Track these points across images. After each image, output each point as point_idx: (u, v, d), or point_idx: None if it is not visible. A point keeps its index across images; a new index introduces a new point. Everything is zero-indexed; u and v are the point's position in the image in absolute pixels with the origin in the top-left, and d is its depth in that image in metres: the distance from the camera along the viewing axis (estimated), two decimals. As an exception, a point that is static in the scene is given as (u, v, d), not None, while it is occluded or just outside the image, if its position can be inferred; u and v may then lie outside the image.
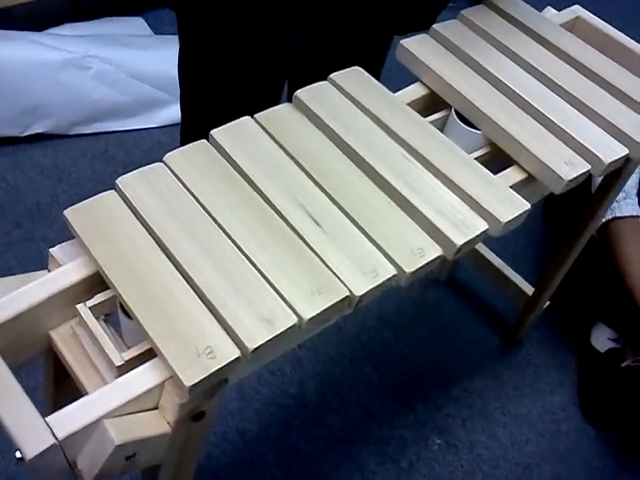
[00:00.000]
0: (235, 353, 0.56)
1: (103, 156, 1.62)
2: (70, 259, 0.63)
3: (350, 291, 0.61)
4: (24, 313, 0.59)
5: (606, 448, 1.33)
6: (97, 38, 1.67)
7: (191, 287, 0.60)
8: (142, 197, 0.65)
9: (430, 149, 0.74)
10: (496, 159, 0.82)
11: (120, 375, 0.58)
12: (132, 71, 1.64)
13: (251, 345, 0.56)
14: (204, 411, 0.59)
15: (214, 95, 1.06)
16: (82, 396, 0.56)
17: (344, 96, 0.79)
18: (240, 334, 0.57)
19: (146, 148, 1.65)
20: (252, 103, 1.06)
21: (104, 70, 1.61)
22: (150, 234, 0.63)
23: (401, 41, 0.88)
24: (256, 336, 0.57)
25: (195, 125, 1.14)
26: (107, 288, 0.62)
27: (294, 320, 0.58)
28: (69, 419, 0.53)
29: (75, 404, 0.55)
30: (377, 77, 0.85)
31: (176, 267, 0.61)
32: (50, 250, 0.64)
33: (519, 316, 1.36)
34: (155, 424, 0.57)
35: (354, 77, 0.82)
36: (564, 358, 1.43)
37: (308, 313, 0.59)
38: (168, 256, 0.62)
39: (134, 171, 0.67)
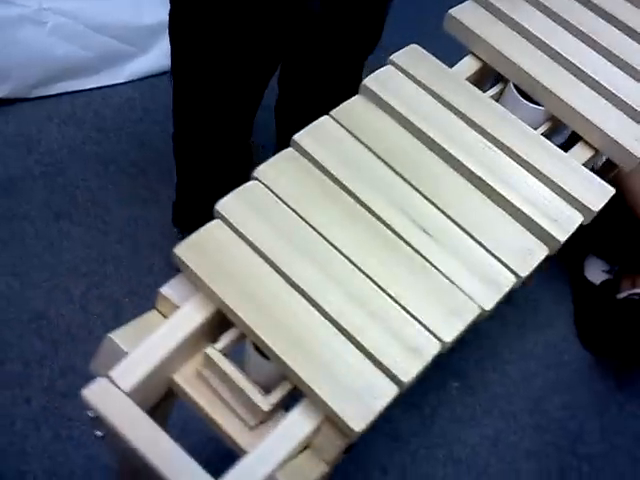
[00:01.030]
0: (394, 390, 0.55)
1: (71, 119, 1.51)
2: (184, 299, 0.60)
3: (481, 307, 0.61)
4: (157, 366, 0.56)
5: (605, 372, 1.42)
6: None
7: (326, 319, 0.58)
8: (247, 222, 0.62)
9: (503, 132, 0.73)
10: (554, 135, 0.81)
11: (265, 419, 0.57)
12: (92, 23, 1.50)
13: (407, 379, 0.56)
14: (353, 444, 0.59)
15: (209, 64, 1.00)
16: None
17: (409, 79, 0.76)
18: (392, 369, 0.56)
19: (115, 107, 1.55)
20: (246, 80, 1.01)
21: (61, 24, 1.48)
22: (267, 262, 0.60)
23: (450, 10, 0.84)
24: (409, 369, 0.56)
25: (188, 98, 1.07)
26: (229, 326, 0.59)
27: (438, 347, 0.58)
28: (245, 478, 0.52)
29: (242, 463, 0.53)
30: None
31: (304, 297, 0.59)
32: (160, 290, 0.60)
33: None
34: (315, 465, 0.56)
35: (413, 56, 0.78)
36: (560, 291, 1.50)
37: (449, 337, 0.58)
38: (292, 285, 0.59)
39: (230, 194, 0.63)
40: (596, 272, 1.45)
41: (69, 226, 1.39)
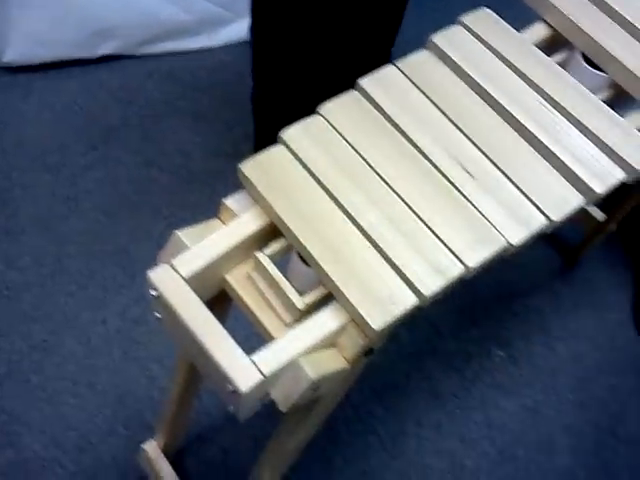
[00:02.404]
0: (413, 300, 0.62)
1: (169, 77, 1.63)
2: (244, 210, 0.68)
3: (507, 241, 0.67)
4: (213, 262, 0.65)
5: (658, 362, 1.42)
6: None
7: (363, 235, 0.65)
8: (307, 150, 0.69)
9: (563, 95, 0.77)
10: (616, 102, 0.85)
11: (300, 317, 0.65)
12: (194, -12, 1.62)
13: (427, 293, 0.62)
14: (373, 348, 0.66)
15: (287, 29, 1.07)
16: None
17: (476, 39, 0.81)
18: (415, 282, 0.63)
19: (210, 69, 1.66)
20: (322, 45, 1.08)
21: (168, -12, 1.59)
22: (319, 185, 0.68)
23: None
24: (430, 284, 0.63)
25: (266, 60, 1.15)
26: (278, 237, 0.67)
27: (461, 269, 0.64)
28: (271, 358, 0.60)
29: (273, 345, 0.62)
30: None
31: (347, 216, 0.66)
32: (223, 200, 0.69)
33: (584, 239, 1.42)
34: (336, 360, 0.64)
35: (481, 18, 0.84)
36: (622, 278, 1.50)
37: (473, 262, 0.65)
38: (338, 205, 0.67)
39: (296, 124, 0.71)
40: (659, 261, 1.45)
41: (157, 173, 1.51)
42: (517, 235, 0.67)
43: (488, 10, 0.84)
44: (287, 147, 0.70)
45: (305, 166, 0.69)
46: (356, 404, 1.27)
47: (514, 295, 1.46)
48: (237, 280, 0.68)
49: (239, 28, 1.67)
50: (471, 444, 1.26)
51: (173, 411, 0.95)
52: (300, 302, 0.64)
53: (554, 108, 0.77)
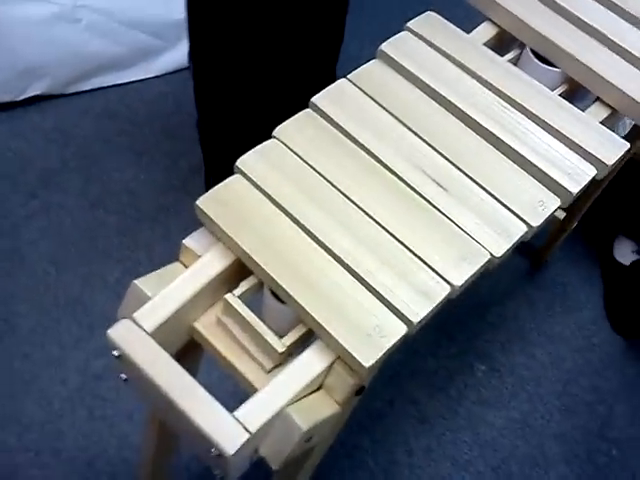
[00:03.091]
0: (403, 329, 0.57)
1: (105, 113, 1.56)
2: (206, 249, 0.62)
3: (491, 254, 0.62)
4: (178, 309, 0.59)
5: (636, 355, 1.40)
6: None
7: (339, 263, 0.60)
8: (267, 177, 0.64)
9: (520, 92, 0.74)
10: (572, 96, 0.82)
11: (281, 361, 0.59)
12: (124, 19, 1.55)
13: (415, 319, 0.57)
14: (364, 386, 0.60)
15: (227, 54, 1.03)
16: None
17: (426, 44, 0.78)
18: (402, 309, 0.58)
19: (148, 100, 1.59)
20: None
21: (95, 21, 1.53)
22: (284, 213, 0.62)
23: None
24: (418, 310, 0.58)
25: (208, 86, 1.11)
26: (247, 275, 0.62)
27: (448, 290, 0.59)
28: (257, 412, 0.54)
29: (256, 397, 0.55)
30: None
31: (319, 245, 0.61)
32: (183, 242, 0.63)
33: (548, 240, 1.40)
34: (327, 405, 0.58)
35: (428, 22, 0.81)
36: (589, 273, 1.49)
37: (458, 280, 0.60)
38: (308, 234, 0.61)
39: (251, 151, 0.66)
40: (626, 253, 1.44)
41: (104, 215, 1.43)
42: (499, 246, 0.63)
43: (434, 14, 0.81)
44: (245, 176, 0.64)
45: (267, 194, 0.63)
46: (342, 439, 1.20)
47: (487, 305, 1.42)
48: (207, 327, 0.62)
49: (174, 56, 1.61)
50: (464, 466, 1.21)
51: (149, 472, 0.88)
52: (279, 345, 0.59)
53: (514, 108, 0.74)
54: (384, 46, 0.76)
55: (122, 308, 0.61)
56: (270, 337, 0.59)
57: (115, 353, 0.56)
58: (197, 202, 0.62)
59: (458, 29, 0.81)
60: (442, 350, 1.35)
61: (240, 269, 0.62)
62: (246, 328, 0.60)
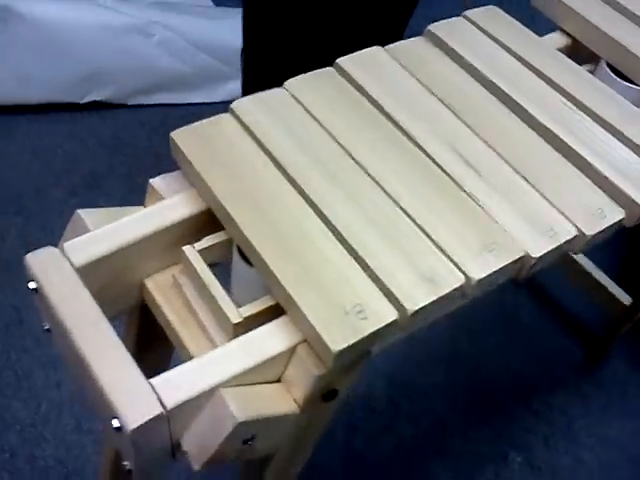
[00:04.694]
0: (392, 315, 0.44)
1: (162, 129, 1.51)
2: (174, 193, 0.51)
3: (526, 252, 0.48)
4: (120, 250, 0.47)
5: None
6: (161, 5, 1.57)
7: (332, 233, 0.48)
8: (263, 124, 0.53)
9: (592, 98, 0.62)
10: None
11: (235, 336, 0.46)
12: (196, 41, 1.53)
13: (411, 307, 0.44)
14: (337, 389, 0.47)
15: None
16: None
17: (483, 33, 0.67)
18: (396, 292, 0.44)
19: (206, 123, 1.54)
20: None
21: (168, 38, 1.51)
22: (276, 166, 0.51)
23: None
24: (416, 296, 0.44)
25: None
26: (217, 230, 0.50)
27: (461, 281, 0.46)
28: (179, 384, 0.41)
29: (185, 366, 0.43)
30: None
31: (312, 208, 0.49)
32: (150, 181, 0.52)
33: (609, 328, 1.22)
34: (280, 401, 0.45)
35: (491, 15, 0.70)
36: (658, 378, 1.29)
37: (478, 273, 0.46)
38: (300, 193, 0.50)
39: (249, 96, 0.55)
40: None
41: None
42: (539, 246, 0.49)
43: (496, 7, 0.71)
44: (237, 119, 0.54)
45: (259, 142, 0.52)
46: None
47: (533, 389, 1.24)
48: (159, 288, 0.50)
49: (239, 85, 1.56)
50: None
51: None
52: (235, 314, 0.46)
53: (580, 110, 0.61)
54: (432, 26, 0.66)
55: (61, 242, 0.50)
56: (226, 304, 0.46)
57: (31, 285, 0.45)
58: (172, 133, 0.51)
59: (526, 28, 0.70)
60: (473, 431, 1.18)
61: (209, 224, 0.50)
62: (202, 292, 0.48)
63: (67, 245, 0.46)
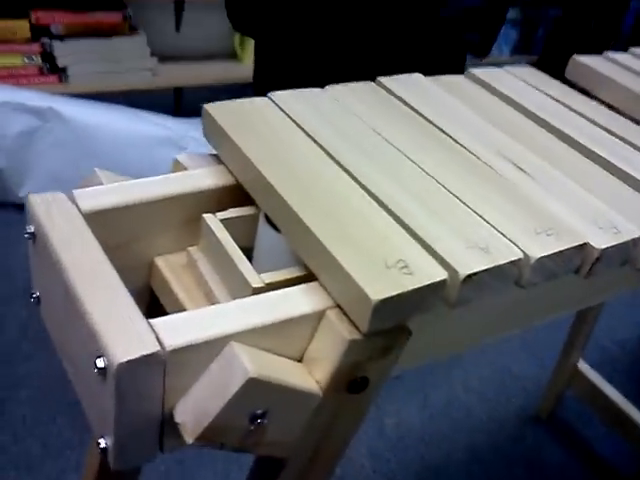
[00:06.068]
0: (440, 274, 0.37)
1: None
2: (199, 167, 0.47)
3: (588, 243, 0.43)
4: (133, 206, 0.42)
5: None
6: (199, 123, 1.63)
7: (374, 200, 0.43)
8: (301, 111, 0.50)
9: (628, 131, 0.59)
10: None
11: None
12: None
13: (464, 270, 0.37)
14: (367, 378, 0.39)
15: None
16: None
17: (522, 81, 0.66)
18: (445, 255, 0.38)
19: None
20: None
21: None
22: (316, 144, 0.47)
23: (574, 56, 0.77)
24: (469, 262, 0.38)
25: None
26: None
27: (519, 255, 0.40)
28: (184, 327, 0.34)
29: (194, 312, 0.36)
30: None
31: (353, 180, 0.44)
32: (177, 157, 0.48)
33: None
34: (300, 377, 0.37)
35: (530, 72, 0.69)
36: None
37: (537, 251, 0.40)
38: (343, 169, 0.45)
39: (289, 90, 0.53)
40: None
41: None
42: (602, 239, 0.43)
43: (535, 69, 0.70)
44: (274, 103, 0.51)
45: (298, 124, 0.49)
46: None
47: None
48: (170, 266, 0.45)
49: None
50: None
51: None
52: (257, 279, 0.40)
53: (629, 146, 0.58)
54: (473, 69, 0.65)
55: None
56: (247, 270, 0.40)
57: (29, 229, 0.40)
58: (205, 105, 0.48)
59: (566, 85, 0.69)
60: None
61: (231, 201, 0.45)
62: (220, 262, 0.42)
63: (77, 192, 0.41)
